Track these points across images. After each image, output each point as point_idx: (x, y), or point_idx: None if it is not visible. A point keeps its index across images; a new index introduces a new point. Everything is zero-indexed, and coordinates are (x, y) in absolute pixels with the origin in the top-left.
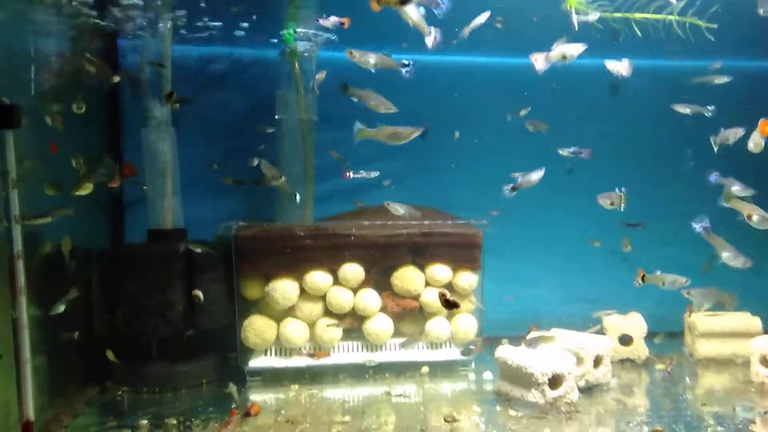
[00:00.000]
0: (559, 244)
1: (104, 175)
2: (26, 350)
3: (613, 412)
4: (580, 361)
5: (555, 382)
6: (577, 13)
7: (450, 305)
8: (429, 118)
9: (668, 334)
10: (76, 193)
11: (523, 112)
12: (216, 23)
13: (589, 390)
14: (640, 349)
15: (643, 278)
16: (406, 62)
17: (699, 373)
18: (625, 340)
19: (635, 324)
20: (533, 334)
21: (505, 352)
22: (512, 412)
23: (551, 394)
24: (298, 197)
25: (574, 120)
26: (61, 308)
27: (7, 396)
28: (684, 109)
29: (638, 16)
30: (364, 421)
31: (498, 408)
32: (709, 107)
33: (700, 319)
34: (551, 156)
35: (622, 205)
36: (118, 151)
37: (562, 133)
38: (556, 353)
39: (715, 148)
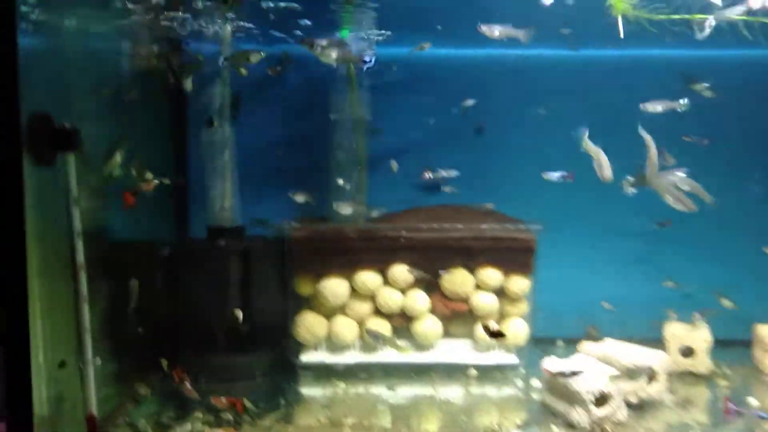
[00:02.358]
0: (624, 241)
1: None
2: (89, 352)
3: None
4: (632, 377)
5: (601, 400)
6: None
7: (495, 336)
8: (490, 115)
9: (744, 342)
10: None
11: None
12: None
13: (640, 407)
14: (702, 363)
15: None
16: (366, 59)
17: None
18: (687, 351)
19: (699, 335)
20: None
21: (551, 364)
22: (555, 429)
23: (596, 412)
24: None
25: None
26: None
27: (75, 394)
28: (655, 107)
29: (699, 17)
30: (404, 429)
31: (541, 424)
32: (681, 101)
33: None
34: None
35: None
36: (184, 150)
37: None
38: (604, 369)
39: None
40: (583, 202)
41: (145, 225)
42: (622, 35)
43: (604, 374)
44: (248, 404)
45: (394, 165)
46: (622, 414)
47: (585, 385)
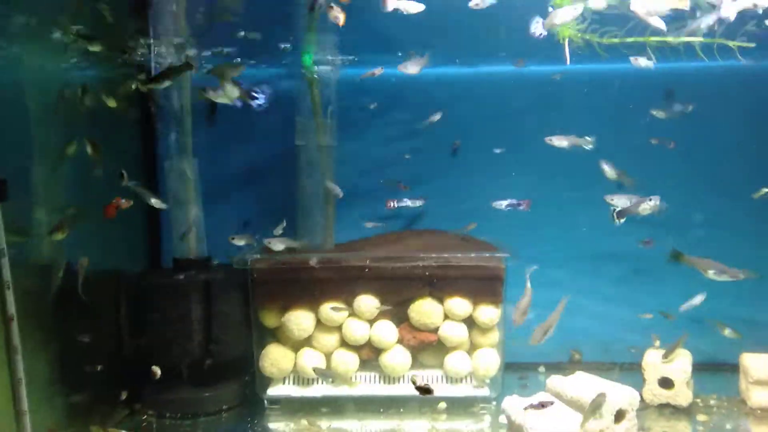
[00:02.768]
0: (610, 264)
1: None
2: (24, 404)
3: None
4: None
5: None
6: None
7: (422, 391)
8: (464, 134)
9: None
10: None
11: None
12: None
13: None
14: (681, 395)
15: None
16: (256, 95)
17: (750, 428)
18: (666, 382)
19: (678, 366)
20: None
21: (511, 404)
22: None
23: None
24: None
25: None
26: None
27: None
28: (561, 142)
29: (653, 39)
30: None
31: None
32: (588, 137)
33: (754, 363)
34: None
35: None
36: (154, 179)
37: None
38: (563, 411)
39: None
40: (566, 224)
41: (116, 256)
42: (568, 62)
43: (563, 416)
44: None
45: (338, 190)
46: None
47: (542, 428)
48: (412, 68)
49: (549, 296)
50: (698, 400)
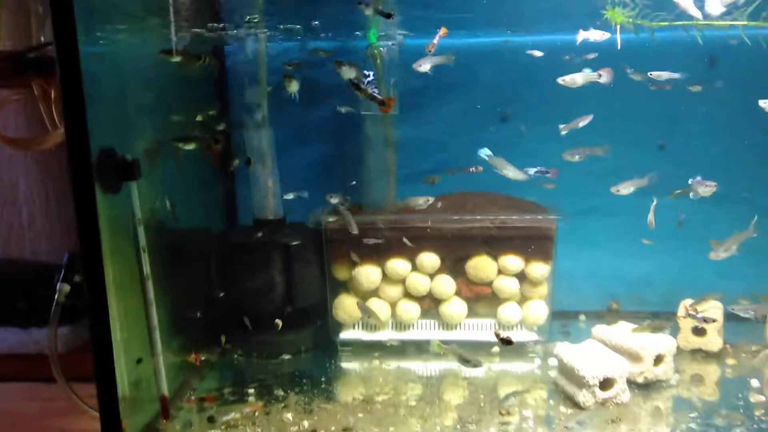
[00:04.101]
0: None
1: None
2: (158, 346)
3: (663, 413)
4: (639, 359)
5: (606, 384)
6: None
7: (504, 342)
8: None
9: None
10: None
11: None
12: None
13: (646, 387)
14: (712, 342)
15: None
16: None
17: None
18: (698, 330)
19: (710, 316)
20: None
21: (563, 349)
22: (562, 409)
23: (601, 395)
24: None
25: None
26: None
27: (151, 378)
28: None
29: (700, 23)
30: (420, 411)
31: (551, 402)
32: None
33: None
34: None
35: None
36: (228, 149)
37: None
38: (609, 355)
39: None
40: (604, 176)
41: (204, 218)
42: (618, 46)
43: (609, 360)
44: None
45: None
46: (626, 396)
47: (590, 371)
48: (424, 65)
49: (588, 246)
50: (727, 346)
